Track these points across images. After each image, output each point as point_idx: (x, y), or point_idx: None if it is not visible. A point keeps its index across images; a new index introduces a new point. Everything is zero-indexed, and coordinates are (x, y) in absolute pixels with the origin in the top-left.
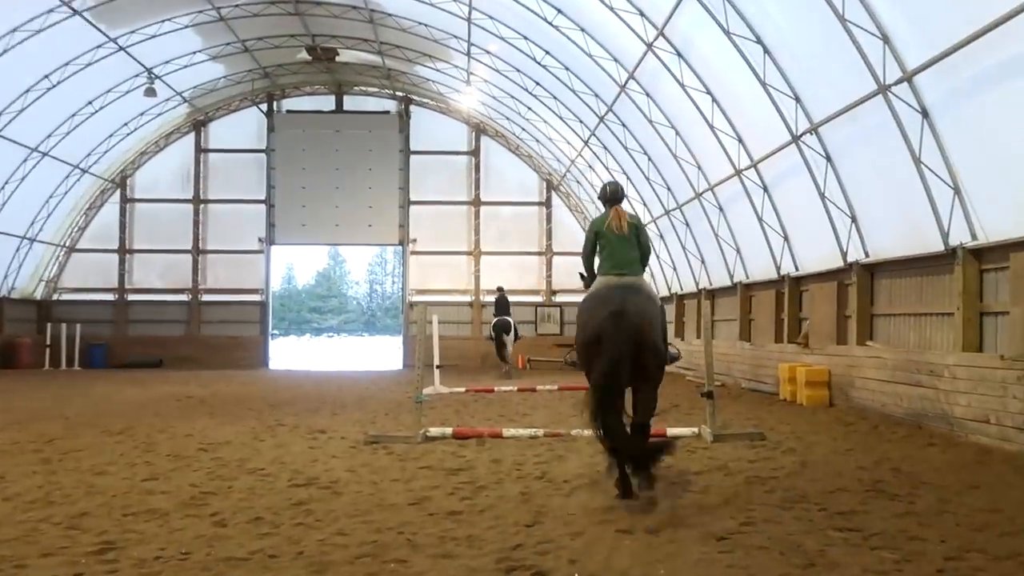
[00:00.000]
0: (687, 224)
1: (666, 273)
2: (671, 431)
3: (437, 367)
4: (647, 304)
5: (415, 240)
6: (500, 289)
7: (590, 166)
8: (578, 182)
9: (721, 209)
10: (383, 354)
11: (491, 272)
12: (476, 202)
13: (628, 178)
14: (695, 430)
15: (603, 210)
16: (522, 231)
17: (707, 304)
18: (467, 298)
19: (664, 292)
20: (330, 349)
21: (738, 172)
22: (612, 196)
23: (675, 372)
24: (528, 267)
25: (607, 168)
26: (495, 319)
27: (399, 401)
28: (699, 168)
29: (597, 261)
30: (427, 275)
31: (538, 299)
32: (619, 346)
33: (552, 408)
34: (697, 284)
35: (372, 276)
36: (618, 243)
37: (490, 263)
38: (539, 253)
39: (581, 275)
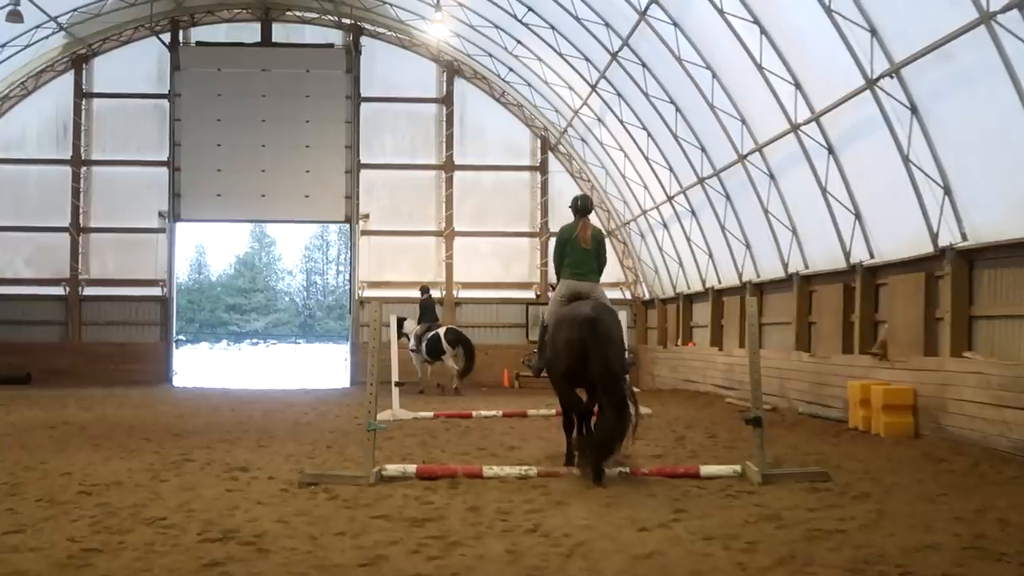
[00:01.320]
0: (727, 196)
1: (699, 261)
2: (705, 469)
3: (397, 385)
4: (611, 315)
5: (367, 216)
6: (425, 290)
7: (599, 119)
8: (583, 140)
9: (772, 176)
10: (325, 367)
11: (467, 259)
12: (448, 166)
13: (649, 134)
14: (737, 468)
15: (572, 219)
16: (509, 205)
17: (753, 302)
18: (435, 292)
19: (696, 285)
20: (254, 360)
21: (795, 128)
22: (582, 208)
23: (712, 392)
24: (516, 252)
25: (621, 121)
26: (426, 329)
27: (346, 430)
28: (743, 123)
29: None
30: (383, 263)
31: (529, 294)
32: (587, 352)
33: (548, 439)
34: (740, 275)
35: (310, 264)
36: (582, 253)
37: (466, 247)
38: (531, 234)
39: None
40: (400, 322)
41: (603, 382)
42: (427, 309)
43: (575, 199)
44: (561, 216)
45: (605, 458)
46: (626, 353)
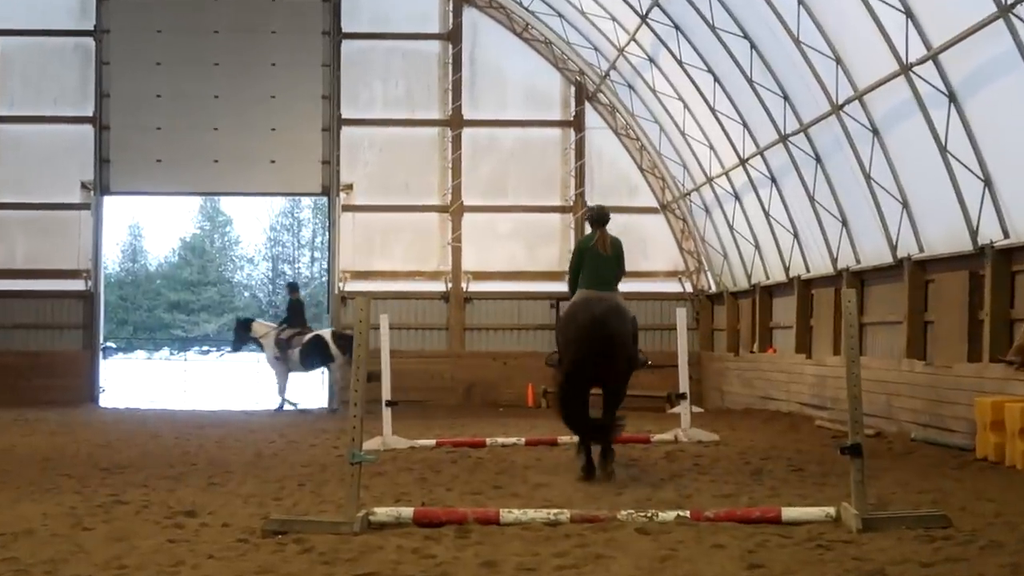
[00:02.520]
0: (817, 158)
1: (781, 242)
2: (788, 512)
3: (388, 405)
4: (620, 314)
5: (350, 187)
6: (295, 287)
7: (650, 59)
8: (630, 87)
9: (875, 131)
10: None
11: (480, 241)
12: (456, 121)
13: (716, 79)
14: (831, 511)
15: (589, 231)
16: (534, 171)
17: (852, 295)
18: (438, 285)
19: (777, 274)
20: (205, 374)
21: (906, 69)
22: (599, 219)
23: (798, 413)
24: (544, 233)
25: (680, 62)
26: (296, 333)
27: (323, 462)
28: (839, 63)
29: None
30: (371, 247)
31: (560, 287)
32: (594, 347)
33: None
34: (834, 261)
35: (277, 250)
36: (602, 262)
37: (479, 226)
38: (562, 208)
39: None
40: (245, 324)
41: (606, 386)
42: (297, 310)
43: (591, 209)
44: (602, 185)
45: (609, 434)
46: (639, 353)
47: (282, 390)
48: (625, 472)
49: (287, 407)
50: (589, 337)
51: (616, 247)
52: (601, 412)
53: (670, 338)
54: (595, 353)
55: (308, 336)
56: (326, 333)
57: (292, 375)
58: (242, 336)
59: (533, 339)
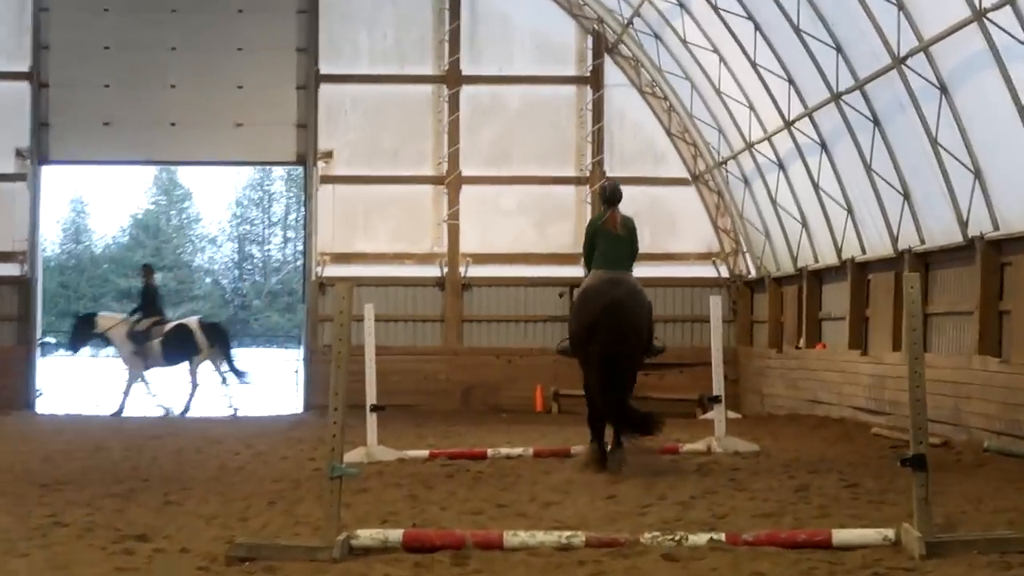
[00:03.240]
0: (875, 120)
1: (833, 219)
2: (839, 535)
3: (373, 410)
4: (636, 298)
5: (330, 155)
6: (148, 269)
7: (680, 4)
8: (656, 37)
9: (943, 89)
10: (266, 384)
11: (482, 218)
12: (453, 78)
13: (757, 27)
14: (889, 534)
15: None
16: (545, 136)
17: (915, 280)
18: (432, 270)
19: (828, 256)
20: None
21: (979, 15)
22: (611, 197)
23: (851, 419)
24: (556, 207)
25: (715, 7)
26: (155, 323)
27: (297, 477)
28: (900, 9)
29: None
30: (355, 225)
31: (575, 271)
32: (610, 333)
33: (601, 489)
34: (895, 241)
35: (244, 228)
36: (614, 242)
37: (480, 200)
38: (578, 180)
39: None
40: (87, 320)
41: (615, 361)
42: (153, 296)
43: (603, 186)
44: (624, 152)
45: (631, 426)
46: (654, 339)
47: (129, 390)
48: (648, 488)
49: (160, 410)
50: (603, 321)
51: (628, 227)
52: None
53: (702, 331)
54: (610, 337)
55: (170, 325)
56: (191, 321)
57: (150, 371)
58: (83, 334)
59: (543, 333)
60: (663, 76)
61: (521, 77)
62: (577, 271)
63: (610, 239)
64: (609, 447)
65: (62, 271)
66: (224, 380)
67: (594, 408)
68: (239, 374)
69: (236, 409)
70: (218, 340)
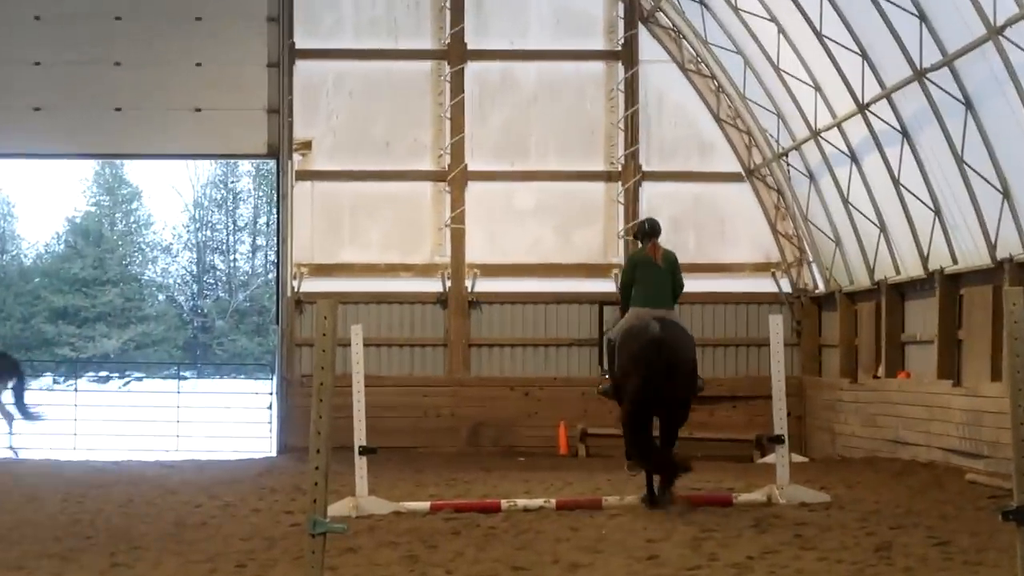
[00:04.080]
0: (966, 102)
1: (916, 221)
2: None
3: (364, 452)
4: (682, 335)
5: (308, 146)
6: None
7: None
8: (703, 3)
9: None
10: (233, 422)
11: (492, 221)
12: (456, 53)
13: None
14: None
15: (640, 245)
16: (568, 123)
17: (1018, 294)
18: (433, 284)
19: (911, 267)
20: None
21: None
22: (650, 231)
23: (942, 463)
24: (583, 208)
25: None
26: None
27: (271, 534)
28: None
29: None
30: (339, 231)
31: (604, 284)
32: (657, 372)
33: (639, 548)
34: (992, 248)
35: (204, 235)
36: (655, 277)
37: (490, 199)
38: (608, 176)
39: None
40: None
41: (667, 406)
42: None
43: (641, 223)
44: (664, 142)
45: (674, 470)
46: (698, 379)
47: None
48: (695, 546)
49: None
50: (650, 361)
51: (670, 260)
52: (659, 439)
53: (759, 358)
54: (657, 379)
55: None
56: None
57: None
58: None
59: (567, 359)
60: (710, 50)
61: (538, 52)
62: (608, 285)
63: (651, 272)
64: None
65: None
66: (10, 418)
67: (636, 447)
68: (27, 413)
69: (16, 451)
70: (6, 372)
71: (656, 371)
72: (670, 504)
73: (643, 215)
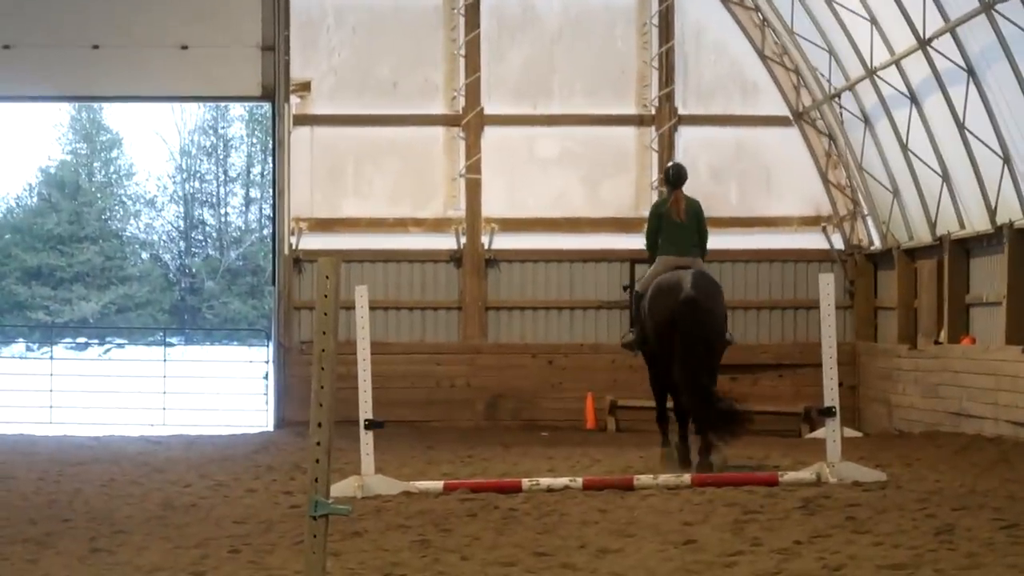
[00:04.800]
0: None
1: (983, 169)
2: None
3: (370, 427)
4: (714, 289)
5: (307, 88)
6: None
7: None
8: None
9: None
10: (224, 392)
11: (511, 171)
12: None
13: None
14: None
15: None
16: (594, 61)
17: None
18: (446, 240)
19: (977, 220)
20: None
21: None
22: (675, 179)
23: (1010, 438)
24: (613, 158)
25: None
26: None
27: (267, 516)
28: None
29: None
30: (341, 181)
31: (638, 242)
32: (692, 329)
33: (674, 531)
34: None
35: (192, 186)
36: (679, 228)
37: (509, 147)
38: (640, 120)
39: (626, 287)
40: None
41: (695, 355)
42: None
43: (667, 169)
44: (702, 82)
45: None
46: (727, 332)
47: None
48: (736, 530)
49: None
50: (682, 316)
51: (694, 212)
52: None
53: (808, 321)
54: (690, 328)
55: None
56: None
57: None
58: None
59: (594, 324)
60: None
61: None
62: (640, 241)
63: (673, 227)
64: (694, 455)
65: None
66: None
67: (663, 406)
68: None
69: None
70: None
71: (690, 322)
72: (711, 469)
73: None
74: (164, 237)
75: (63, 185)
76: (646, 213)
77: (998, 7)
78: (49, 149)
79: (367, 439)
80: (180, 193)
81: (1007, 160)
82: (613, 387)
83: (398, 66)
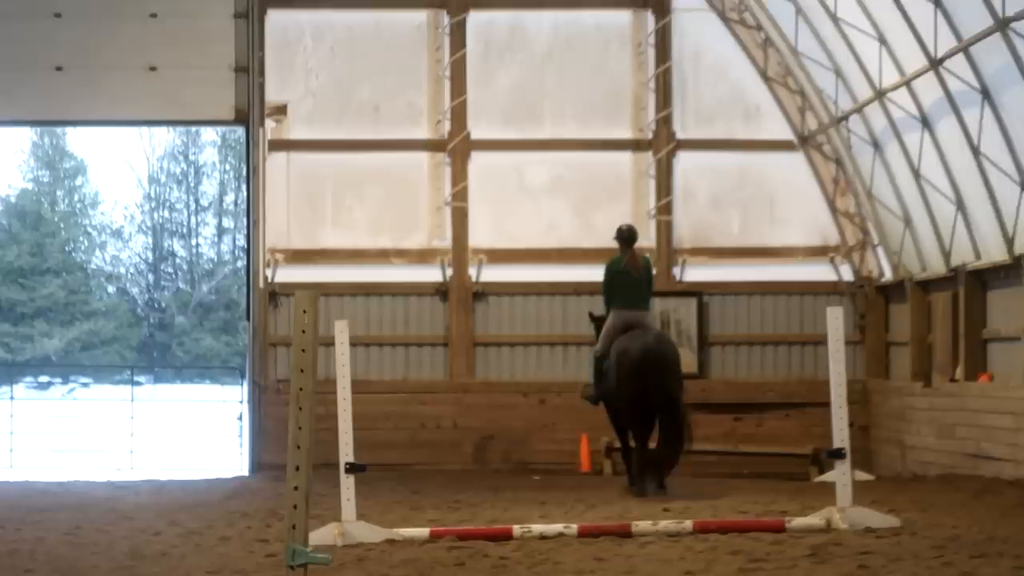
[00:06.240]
0: None
1: (999, 196)
2: None
3: (351, 470)
4: (670, 340)
5: (283, 111)
6: None
7: None
8: None
9: None
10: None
11: (499, 199)
12: (456, 1)
13: None
14: None
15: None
16: (589, 83)
17: None
18: (431, 273)
19: (994, 250)
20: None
21: None
22: (630, 238)
23: None
24: (606, 185)
25: None
26: None
27: (242, 567)
28: None
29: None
30: (319, 210)
31: None
32: (656, 378)
33: None
34: None
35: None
36: (634, 284)
37: (497, 173)
38: (636, 144)
39: (591, 315)
40: None
41: (665, 410)
42: None
43: (621, 229)
44: (702, 104)
45: (665, 474)
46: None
47: None
48: None
49: None
50: (647, 366)
51: (646, 268)
52: (659, 443)
53: (816, 357)
54: (655, 382)
55: None
56: None
57: None
58: None
59: (589, 360)
60: (767, 13)
61: None
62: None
63: (632, 282)
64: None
65: None
66: None
67: (628, 445)
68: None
69: None
70: None
71: (652, 376)
72: (665, 490)
73: (678, 190)
74: (132, 270)
75: (24, 215)
76: (643, 243)
77: (1014, 25)
78: (9, 177)
79: (348, 483)
80: (148, 223)
81: None
82: (608, 428)
83: (380, 88)
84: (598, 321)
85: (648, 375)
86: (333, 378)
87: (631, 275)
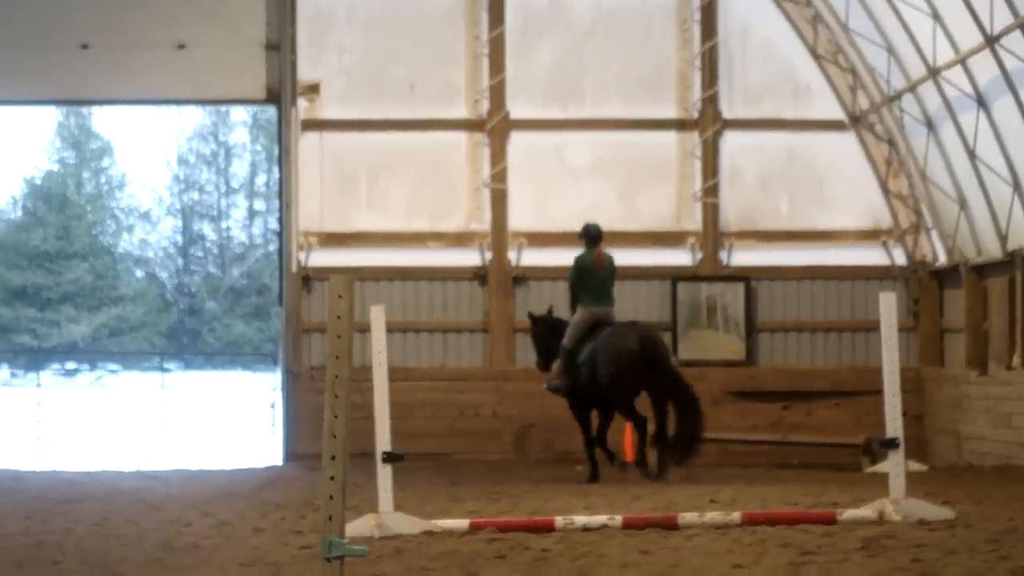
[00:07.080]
0: None
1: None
2: None
3: (388, 460)
4: (655, 331)
5: (316, 90)
6: None
7: None
8: None
9: None
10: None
11: (540, 180)
12: None
13: None
14: None
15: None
16: (631, 60)
17: None
18: (469, 256)
19: None
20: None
21: None
22: (596, 236)
23: None
24: (651, 165)
25: None
26: None
27: (276, 559)
28: None
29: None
30: (353, 192)
31: (685, 259)
32: (661, 366)
33: (725, 573)
34: None
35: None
36: (601, 279)
37: (537, 154)
38: (681, 124)
39: (530, 315)
40: None
41: (678, 394)
42: None
43: (586, 227)
44: (749, 83)
45: (688, 457)
46: None
47: None
48: (792, 573)
49: None
50: (651, 355)
51: (612, 265)
52: (677, 429)
53: (867, 344)
54: (661, 370)
55: None
56: None
57: None
58: None
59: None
60: None
61: None
62: (682, 256)
63: (599, 277)
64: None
65: None
66: None
67: (591, 436)
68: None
69: None
70: None
71: (657, 359)
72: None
73: (724, 171)
74: (160, 253)
75: (49, 197)
76: (689, 226)
77: None
78: (34, 158)
79: (385, 473)
80: (177, 205)
81: None
82: (651, 417)
83: (415, 66)
84: (536, 320)
85: (653, 364)
86: (369, 365)
87: (599, 272)
